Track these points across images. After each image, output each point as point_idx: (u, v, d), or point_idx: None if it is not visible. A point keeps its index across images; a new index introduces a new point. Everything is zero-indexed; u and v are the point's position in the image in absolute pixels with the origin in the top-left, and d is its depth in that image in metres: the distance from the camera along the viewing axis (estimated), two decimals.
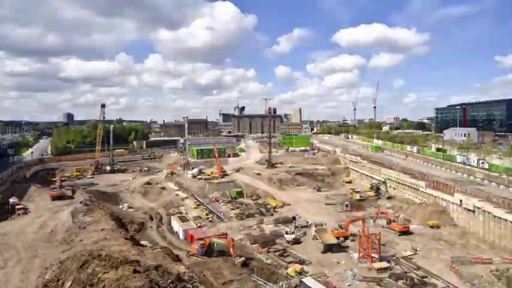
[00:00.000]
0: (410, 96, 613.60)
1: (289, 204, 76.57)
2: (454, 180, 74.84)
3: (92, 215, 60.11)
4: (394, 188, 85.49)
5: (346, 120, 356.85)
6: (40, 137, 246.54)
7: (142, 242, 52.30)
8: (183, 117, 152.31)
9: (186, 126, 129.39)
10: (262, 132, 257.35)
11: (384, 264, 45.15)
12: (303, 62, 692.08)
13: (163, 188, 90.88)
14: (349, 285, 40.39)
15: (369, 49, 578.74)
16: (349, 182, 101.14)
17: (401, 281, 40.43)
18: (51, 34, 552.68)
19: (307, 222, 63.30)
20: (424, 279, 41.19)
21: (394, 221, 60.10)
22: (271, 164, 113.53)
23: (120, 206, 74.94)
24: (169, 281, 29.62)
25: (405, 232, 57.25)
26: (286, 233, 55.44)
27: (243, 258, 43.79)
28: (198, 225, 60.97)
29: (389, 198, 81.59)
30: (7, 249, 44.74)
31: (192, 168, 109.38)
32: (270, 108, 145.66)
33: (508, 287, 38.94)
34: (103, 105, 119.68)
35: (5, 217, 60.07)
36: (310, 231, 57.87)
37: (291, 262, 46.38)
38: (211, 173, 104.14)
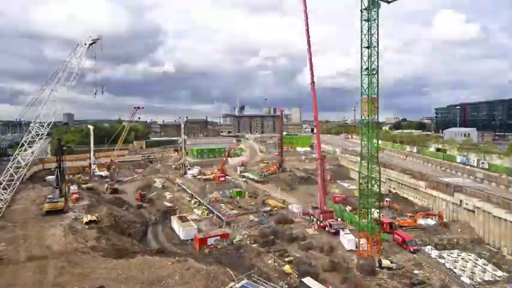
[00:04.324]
0: None
1: (290, 204, 76.35)
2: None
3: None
4: (394, 188, 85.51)
5: (346, 120, 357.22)
6: None
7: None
8: (179, 117, 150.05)
9: (182, 126, 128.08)
10: (262, 133, 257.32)
11: (387, 263, 45.29)
12: None
13: (163, 188, 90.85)
14: None
15: None
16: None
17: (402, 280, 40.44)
18: None
19: None
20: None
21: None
22: (282, 169, 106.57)
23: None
24: None
25: None
26: None
27: None
28: (198, 225, 60.85)
29: None
30: None
31: (192, 168, 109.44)
32: (280, 111, 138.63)
33: None
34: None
35: None
36: None
37: (291, 262, 46.28)
38: (211, 173, 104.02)
